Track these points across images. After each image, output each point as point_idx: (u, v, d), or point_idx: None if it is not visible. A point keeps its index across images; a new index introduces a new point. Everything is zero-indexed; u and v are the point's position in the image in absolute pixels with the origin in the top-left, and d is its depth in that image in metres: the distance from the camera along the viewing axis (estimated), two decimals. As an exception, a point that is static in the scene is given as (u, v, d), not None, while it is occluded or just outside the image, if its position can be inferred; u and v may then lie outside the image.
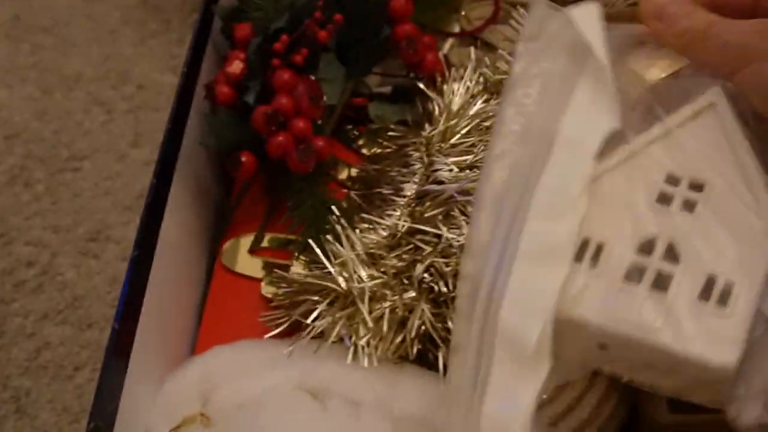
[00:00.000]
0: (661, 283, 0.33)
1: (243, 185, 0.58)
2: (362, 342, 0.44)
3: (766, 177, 0.33)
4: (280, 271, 0.52)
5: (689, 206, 0.34)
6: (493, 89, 0.57)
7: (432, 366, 0.46)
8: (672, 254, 0.33)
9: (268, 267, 0.55)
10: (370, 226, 0.51)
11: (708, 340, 0.31)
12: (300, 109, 0.54)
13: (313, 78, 0.57)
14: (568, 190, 0.34)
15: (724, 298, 0.32)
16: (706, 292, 0.32)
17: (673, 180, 0.34)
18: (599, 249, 0.34)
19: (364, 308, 0.45)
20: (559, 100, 0.36)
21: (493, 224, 0.35)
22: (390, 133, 0.58)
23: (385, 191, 0.53)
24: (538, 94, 0.37)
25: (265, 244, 0.57)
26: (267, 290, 0.53)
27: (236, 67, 0.54)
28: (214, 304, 0.55)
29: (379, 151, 0.58)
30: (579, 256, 0.34)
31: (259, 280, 0.55)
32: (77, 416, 0.80)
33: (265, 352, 0.48)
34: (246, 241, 0.57)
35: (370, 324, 0.44)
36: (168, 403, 0.47)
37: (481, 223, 0.35)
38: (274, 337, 0.50)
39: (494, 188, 0.36)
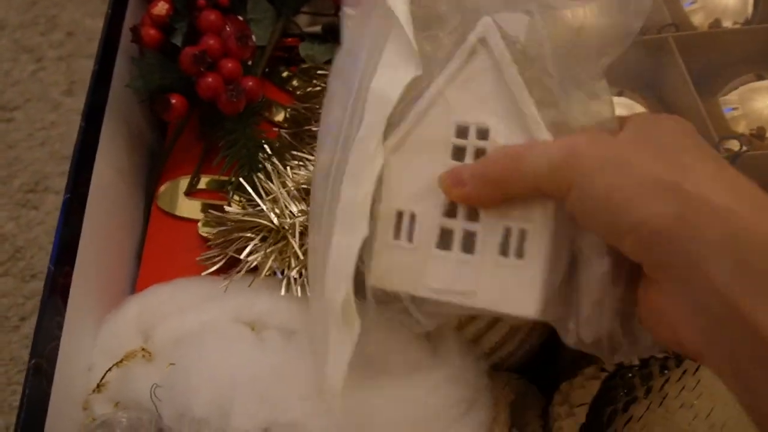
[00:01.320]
0: (469, 243, 0.34)
1: (176, 128, 0.58)
2: (293, 274, 0.46)
3: (541, 112, 0.32)
4: (214, 212, 0.53)
5: (479, 154, 0.34)
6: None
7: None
8: (474, 213, 0.34)
9: (205, 208, 0.57)
10: (301, 163, 0.53)
11: (513, 296, 0.33)
12: (228, 50, 0.54)
13: (241, 18, 0.57)
14: (368, 147, 0.35)
15: (520, 250, 0.33)
16: (505, 246, 0.33)
17: (462, 131, 0.34)
18: (413, 219, 0.35)
19: (295, 242, 0.47)
20: (374, 60, 0.36)
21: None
22: (320, 72, 0.59)
23: (314, 128, 0.54)
24: (365, 57, 0.36)
25: (202, 185, 0.58)
26: (203, 230, 0.54)
27: (161, 8, 0.54)
28: (153, 245, 0.56)
29: (309, 89, 0.59)
30: (396, 232, 0.35)
31: (196, 221, 0.56)
32: (26, 365, 0.81)
33: (202, 289, 0.49)
34: (182, 183, 0.58)
35: (301, 257, 0.46)
36: (109, 341, 0.48)
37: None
38: (211, 274, 0.52)
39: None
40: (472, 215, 0.34)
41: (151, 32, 0.55)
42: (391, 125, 0.35)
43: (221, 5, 0.55)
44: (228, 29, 0.54)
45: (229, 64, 0.53)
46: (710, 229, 0.27)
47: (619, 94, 0.56)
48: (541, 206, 0.33)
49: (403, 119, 0.35)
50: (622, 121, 0.33)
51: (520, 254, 0.33)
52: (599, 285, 0.32)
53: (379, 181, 0.36)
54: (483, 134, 0.34)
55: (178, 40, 0.55)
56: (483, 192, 0.33)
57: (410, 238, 0.35)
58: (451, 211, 0.35)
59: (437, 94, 0.34)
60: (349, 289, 0.35)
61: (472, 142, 0.34)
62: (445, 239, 0.35)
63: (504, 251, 0.33)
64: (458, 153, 0.34)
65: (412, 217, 0.35)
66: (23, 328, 0.83)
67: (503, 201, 0.33)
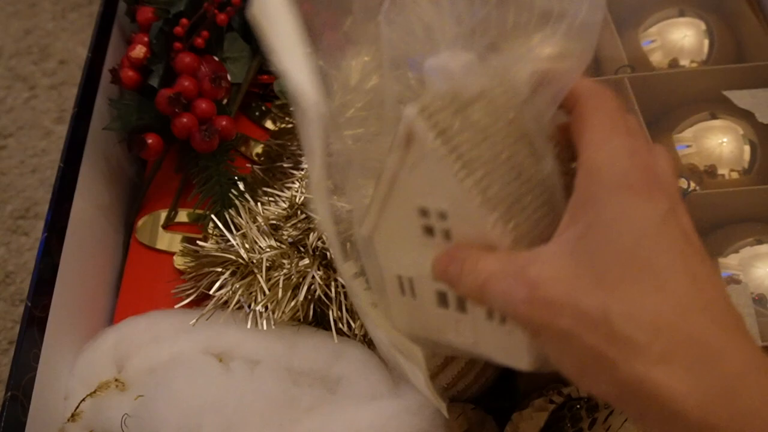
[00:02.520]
0: (463, 304, 0.35)
1: (154, 164, 0.61)
2: (259, 308, 0.48)
3: (484, 194, 0.31)
4: (188, 245, 0.55)
5: (447, 234, 0.34)
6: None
7: (327, 325, 0.50)
8: None
9: (182, 241, 0.59)
10: (272, 199, 0.55)
11: (507, 350, 0.34)
12: (203, 90, 0.57)
13: (216, 59, 0.60)
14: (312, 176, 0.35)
15: (502, 318, 0.33)
16: (490, 313, 0.34)
17: (424, 212, 0.34)
18: (411, 283, 0.37)
19: (261, 277, 0.49)
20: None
21: None
22: (293, 109, 0.62)
23: (286, 164, 0.57)
24: None
25: (183, 218, 0.61)
26: (178, 263, 0.57)
27: (139, 51, 0.57)
28: (131, 277, 0.59)
29: (282, 126, 0.61)
30: (402, 290, 0.37)
31: (173, 254, 0.58)
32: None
33: (174, 321, 0.52)
34: (161, 216, 0.61)
35: (267, 291, 0.48)
36: (85, 371, 0.50)
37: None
38: (184, 306, 0.54)
39: None
40: None
41: (129, 74, 0.57)
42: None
43: (197, 47, 0.58)
44: (203, 70, 0.57)
45: (203, 105, 0.56)
46: None
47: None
48: None
49: (374, 199, 0.36)
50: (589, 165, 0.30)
51: (503, 321, 0.34)
52: None
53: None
54: (443, 216, 0.33)
55: (155, 82, 0.57)
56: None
57: (414, 295, 0.37)
58: None
59: (393, 177, 0.34)
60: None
61: (436, 224, 0.34)
62: (441, 299, 0.36)
63: (490, 316, 0.34)
64: (429, 230, 0.34)
65: (410, 280, 0.37)
66: (11, 351, 0.85)
67: None
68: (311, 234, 0.51)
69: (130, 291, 0.58)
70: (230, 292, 0.50)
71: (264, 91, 0.66)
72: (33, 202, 0.95)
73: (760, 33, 0.63)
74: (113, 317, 0.57)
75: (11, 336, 0.86)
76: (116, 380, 0.49)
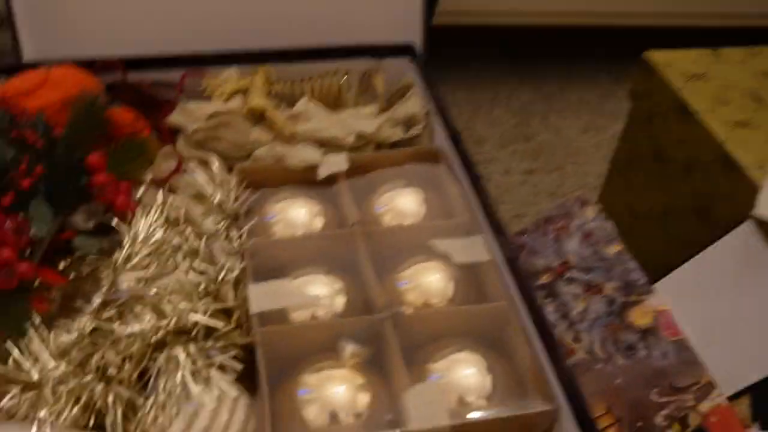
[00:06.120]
0: None
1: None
2: (42, 416, 0.58)
3: None
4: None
5: None
6: (172, 223, 0.75)
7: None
8: None
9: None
10: (64, 329, 0.65)
11: None
12: (5, 240, 0.68)
13: (20, 215, 0.71)
14: None
15: None
16: None
17: None
18: None
19: (47, 390, 0.59)
20: None
21: None
22: (88, 259, 0.74)
23: (77, 303, 0.68)
24: None
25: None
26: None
27: (-51, 208, 0.67)
28: None
29: (76, 273, 0.73)
30: None
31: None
32: None
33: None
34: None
35: (50, 402, 0.58)
36: None
37: None
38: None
39: None
40: None
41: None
42: None
43: (2, 206, 0.69)
44: (7, 224, 0.68)
45: (5, 252, 0.67)
46: None
47: (325, 273, 0.74)
48: None
49: None
50: None
51: None
52: None
53: None
54: None
55: (-38, 233, 0.68)
56: None
57: None
58: None
59: None
60: None
61: None
62: None
63: None
64: None
65: None
66: None
67: None
68: (95, 355, 0.62)
69: None
70: (16, 404, 0.59)
71: (67, 244, 0.77)
72: None
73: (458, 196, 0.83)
74: None
75: None
76: None
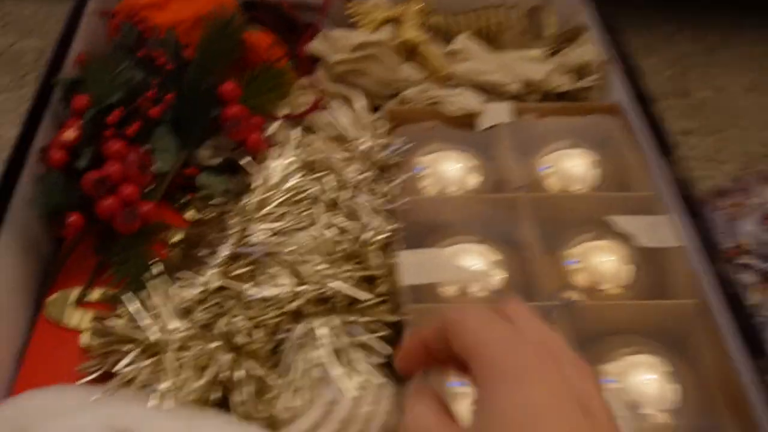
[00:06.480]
0: None
1: (70, 242, 0.62)
2: (163, 387, 0.49)
3: None
4: (98, 323, 0.56)
5: None
6: (308, 168, 0.65)
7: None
8: None
9: (92, 319, 0.60)
10: (186, 284, 0.57)
11: None
12: (129, 175, 0.59)
13: (144, 148, 0.63)
14: None
15: None
16: None
17: None
18: None
19: (167, 357, 0.50)
20: None
21: None
22: (212, 201, 0.65)
23: (200, 253, 0.59)
24: None
25: (96, 296, 0.61)
26: (84, 341, 0.57)
27: (70, 134, 0.59)
28: (35, 352, 0.59)
29: (200, 217, 0.64)
30: None
31: (80, 332, 0.59)
32: None
33: (76, 396, 0.52)
34: (72, 294, 0.61)
35: (172, 371, 0.50)
36: (-21, 442, 0.50)
37: None
38: (90, 382, 0.54)
39: None
40: None
41: (57, 154, 0.60)
42: None
43: (127, 136, 0.61)
44: (131, 158, 0.60)
45: (128, 190, 0.59)
46: None
47: (481, 242, 0.63)
48: None
49: None
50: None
51: None
52: None
53: None
54: None
55: (82, 164, 0.60)
56: None
57: None
58: None
59: None
60: None
61: None
62: None
63: None
64: None
65: None
66: None
67: None
68: (221, 318, 0.54)
69: (33, 365, 0.58)
70: (136, 370, 0.51)
71: (188, 182, 0.69)
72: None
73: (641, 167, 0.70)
74: (11, 389, 0.56)
75: None
76: (11, 453, 0.49)
